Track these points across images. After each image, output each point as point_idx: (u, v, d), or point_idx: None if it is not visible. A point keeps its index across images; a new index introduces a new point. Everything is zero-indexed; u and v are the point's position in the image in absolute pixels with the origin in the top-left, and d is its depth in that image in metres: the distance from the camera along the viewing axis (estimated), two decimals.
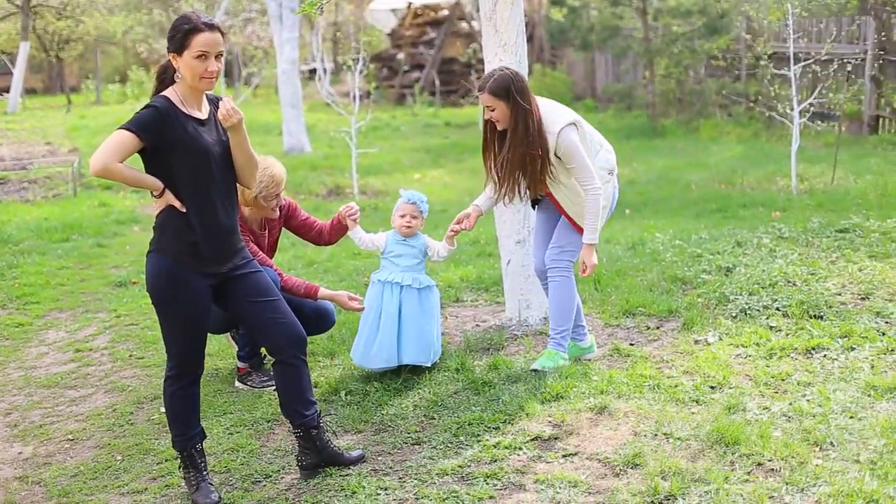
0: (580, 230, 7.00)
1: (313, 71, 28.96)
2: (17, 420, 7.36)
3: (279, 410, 6.62)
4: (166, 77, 5.52)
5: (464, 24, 36.19)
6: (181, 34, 5.33)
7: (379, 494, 5.54)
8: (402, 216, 7.24)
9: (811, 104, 15.04)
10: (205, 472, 5.77)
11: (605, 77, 31.96)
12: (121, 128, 5.25)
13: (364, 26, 40.36)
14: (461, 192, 17.05)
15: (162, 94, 5.46)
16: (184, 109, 5.43)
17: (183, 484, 5.88)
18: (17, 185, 18.87)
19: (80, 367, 8.39)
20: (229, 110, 5.39)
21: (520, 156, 6.76)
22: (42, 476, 6.37)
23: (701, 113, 24.63)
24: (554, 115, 6.85)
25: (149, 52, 38.09)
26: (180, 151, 5.38)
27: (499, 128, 6.82)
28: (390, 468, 5.87)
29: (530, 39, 36.39)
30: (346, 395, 6.97)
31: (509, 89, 6.67)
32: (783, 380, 6.70)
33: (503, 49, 8.01)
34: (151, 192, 5.48)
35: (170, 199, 5.44)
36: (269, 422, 6.73)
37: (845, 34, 20.77)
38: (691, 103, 25.25)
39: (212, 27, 5.36)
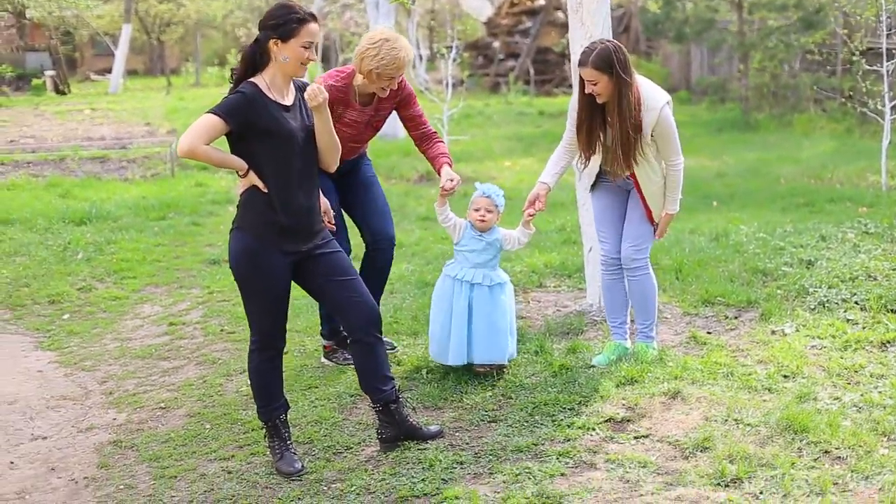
0: (651, 219, 7.03)
1: None
2: (112, 388, 7.68)
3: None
4: (257, 61, 5.77)
5: (559, 14, 36.23)
6: (292, 23, 5.64)
7: (454, 468, 5.75)
8: (477, 210, 7.00)
9: None
10: (289, 442, 6.03)
11: (700, 69, 31.91)
12: (209, 112, 5.58)
13: (460, 14, 40.60)
14: None
15: (250, 80, 5.73)
16: (270, 95, 5.72)
17: (268, 452, 6.14)
18: (117, 164, 19.36)
19: (173, 340, 8.71)
20: (315, 90, 5.66)
21: (620, 130, 6.65)
22: (134, 441, 6.68)
23: (794, 107, 24.54)
24: (654, 91, 6.78)
25: (248, 36, 38.62)
26: (265, 135, 5.67)
27: (600, 101, 6.67)
28: (466, 444, 6.08)
29: (626, 31, 36.39)
30: (427, 373, 7.17)
31: (612, 63, 6.53)
32: (856, 371, 6.80)
33: (589, 41, 8.14)
34: (237, 172, 5.75)
35: (253, 179, 5.72)
36: (351, 396, 6.96)
37: None
38: (785, 97, 25.15)
39: (315, 18, 5.75)
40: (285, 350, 6.17)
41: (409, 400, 6.70)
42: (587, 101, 6.74)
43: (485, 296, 6.93)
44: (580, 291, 9.05)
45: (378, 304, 6.38)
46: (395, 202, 14.98)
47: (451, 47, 18.80)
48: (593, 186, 7.24)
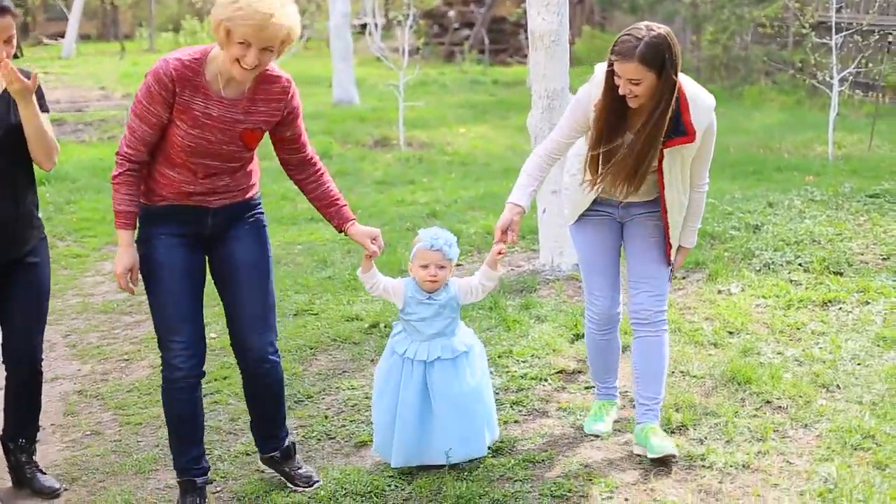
0: (668, 256, 5.52)
1: (364, 26, 29.30)
2: (75, 341, 7.85)
3: (323, 338, 7.12)
4: None
5: None
6: None
7: None
8: (425, 267, 5.25)
9: (851, 73, 15.26)
10: None
11: None
12: None
13: None
14: (504, 146, 17.42)
15: None
16: None
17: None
18: (73, 127, 19.38)
19: (134, 297, 8.85)
20: (10, 72, 4.81)
21: (646, 141, 5.08)
22: (99, 391, 6.86)
23: (746, 79, 24.83)
24: (701, 89, 5.25)
25: (203, 1, 38.59)
26: None
27: (634, 105, 5.06)
28: None
29: (581, 1, 36.59)
30: (384, 327, 7.38)
31: (664, 59, 4.92)
32: (798, 329, 7.06)
33: (546, 8, 8.35)
34: None
35: None
36: (311, 349, 7.17)
37: (890, 5, 20.90)
38: (736, 69, 25.44)
39: (9, 11, 5.05)
40: None
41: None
42: (616, 104, 5.11)
43: (447, 373, 5.27)
44: (533, 252, 9.27)
45: (283, 433, 5.40)
46: (350, 165, 15.21)
47: (408, 15, 18.92)
48: (579, 217, 5.64)
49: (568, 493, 5.01)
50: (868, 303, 7.49)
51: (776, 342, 6.84)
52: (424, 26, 35.34)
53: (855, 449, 5.29)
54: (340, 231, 5.25)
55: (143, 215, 4.96)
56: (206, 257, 5.16)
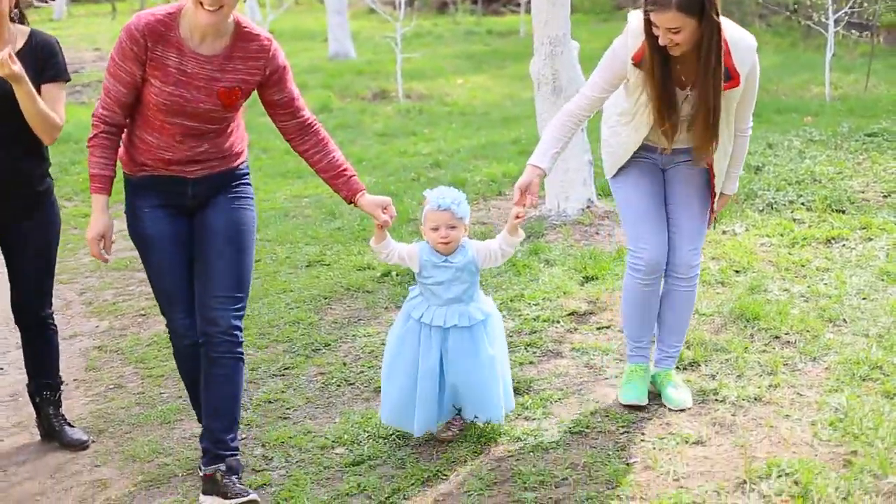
0: (712, 207, 5.40)
1: None
2: (91, 299, 7.98)
3: (336, 288, 7.25)
4: None
5: None
6: None
7: None
8: (435, 229, 5.02)
9: (846, 14, 15.30)
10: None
11: None
12: None
13: None
14: (502, 96, 17.49)
15: None
16: None
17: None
18: (71, 88, 19.38)
19: None
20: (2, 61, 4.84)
21: (706, 91, 4.88)
22: (119, 345, 7.00)
23: (741, 22, 24.68)
24: (740, 30, 4.99)
25: None
26: None
27: (676, 52, 4.84)
28: None
29: None
30: (396, 275, 7.50)
31: (703, 2, 4.67)
32: (803, 266, 7.19)
33: None
34: None
35: None
36: (325, 298, 7.30)
37: None
38: (731, 13, 25.36)
39: None
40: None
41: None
42: (660, 56, 4.88)
43: (464, 341, 5.06)
44: (539, 198, 9.38)
45: (231, 437, 4.96)
46: (351, 119, 15.29)
47: None
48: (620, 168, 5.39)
49: (586, 430, 5.14)
50: (871, 239, 7.60)
51: (782, 279, 6.96)
52: None
53: (863, 380, 5.41)
54: (350, 202, 5.03)
55: (126, 187, 4.93)
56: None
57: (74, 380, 6.51)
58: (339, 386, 6.00)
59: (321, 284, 7.59)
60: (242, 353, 5.01)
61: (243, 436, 5.49)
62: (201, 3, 4.52)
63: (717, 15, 4.71)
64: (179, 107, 4.69)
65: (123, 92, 4.68)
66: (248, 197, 5.05)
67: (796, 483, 4.43)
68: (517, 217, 5.03)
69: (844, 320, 6.22)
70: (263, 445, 5.39)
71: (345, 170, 5.02)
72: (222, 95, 4.74)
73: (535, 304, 6.77)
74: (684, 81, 4.99)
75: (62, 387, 5.80)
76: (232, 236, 4.93)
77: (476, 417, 5.19)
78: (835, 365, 5.62)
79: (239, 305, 4.95)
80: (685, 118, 5.04)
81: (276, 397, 5.91)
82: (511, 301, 6.82)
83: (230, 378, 4.96)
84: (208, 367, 4.95)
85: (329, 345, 6.56)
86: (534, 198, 5.06)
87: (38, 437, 5.79)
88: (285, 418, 5.69)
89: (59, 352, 5.80)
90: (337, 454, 5.18)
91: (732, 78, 4.91)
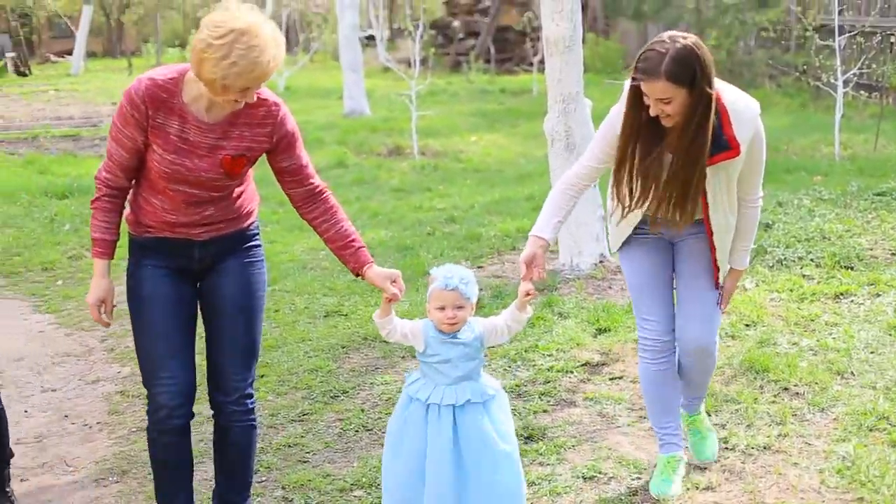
0: (717, 281, 5.10)
1: (370, 38, 29.64)
2: (112, 345, 8.12)
3: (354, 338, 7.40)
4: None
5: None
6: None
7: None
8: (441, 309, 4.63)
9: (855, 75, 15.51)
10: None
11: None
12: None
13: None
14: (516, 153, 17.67)
15: None
16: None
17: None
18: (90, 142, 19.71)
19: None
20: None
21: (687, 161, 4.66)
22: (140, 390, 7.07)
23: (750, 83, 25.05)
24: (742, 95, 4.82)
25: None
26: None
27: (667, 123, 4.64)
28: None
29: (584, 8, 36.68)
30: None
31: (695, 72, 4.50)
32: (812, 320, 7.33)
33: (560, 15, 8.63)
34: None
35: None
36: (343, 347, 7.45)
37: (891, 7, 21.14)
38: (741, 74, 25.66)
39: None
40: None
41: None
42: (648, 126, 4.71)
43: (480, 419, 4.61)
44: (552, 253, 9.54)
45: (245, 486, 5.02)
46: (367, 174, 15.49)
47: (418, 24, 19.25)
48: (624, 242, 5.20)
49: (598, 475, 5.28)
50: (879, 295, 7.75)
51: (791, 333, 7.09)
52: (430, 37, 35.66)
53: (870, 430, 5.56)
54: (357, 275, 4.83)
55: (130, 247, 4.75)
56: (198, 287, 4.84)
57: (98, 423, 6.64)
58: (357, 431, 6.13)
59: (339, 334, 7.74)
60: (255, 420, 4.92)
61: (263, 478, 5.63)
62: (236, 101, 4.39)
63: (710, 86, 4.53)
64: (181, 175, 4.49)
65: (126, 157, 4.49)
66: (259, 260, 4.88)
67: None
68: (527, 294, 4.72)
69: (852, 373, 6.36)
70: (283, 487, 5.52)
71: (353, 240, 4.80)
72: (227, 164, 4.53)
73: (549, 355, 6.92)
74: (671, 149, 4.74)
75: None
76: (244, 304, 4.78)
77: None
78: (842, 416, 5.76)
79: (249, 374, 4.85)
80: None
81: (295, 441, 6.05)
82: (525, 352, 6.96)
83: (242, 447, 4.92)
84: (220, 435, 4.93)
85: (347, 392, 6.70)
86: (541, 270, 4.84)
87: (64, 477, 5.93)
88: (304, 462, 5.82)
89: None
90: (355, 496, 5.31)
91: (732, 148, 4.69)
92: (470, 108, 23.88)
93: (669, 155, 4.73)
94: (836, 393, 6.07)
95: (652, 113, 4.59)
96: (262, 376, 7.05)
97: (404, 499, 4.65)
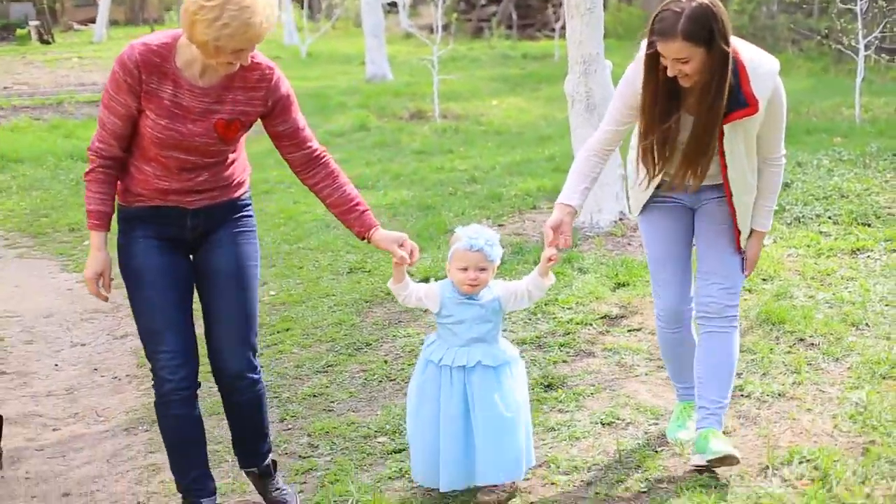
0: (739, 245, 4.96)
1: (392, 4, 29.67)
2: None
3: (377, 293, 7.53)
4: None
5: None
6: None
7: None
8: (464, 269, 4.67)
9: (876, 38, 15.50)
10: None
11: None
12: None
13: None
14: (537, 116, 17.77)
15: None
16: None
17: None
18: None
19: None
20: None
21: (706, 121, 4.62)
22: None
23: (773, 48, 25.04)
24: (760, 52, 4.73)
25: None
26: None
27: (686, 84, 4.59)
28: None
29: None
30: (435, 280, 7.76)
31: (712, 30, 4.44)
32: (829, 275, 7.42)
33: None
34: None
35: None
36: (367, 302, 7.59)
37: None
38: (763, 38, 25.67)
39: None
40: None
41: None
42: (666, 87, 4.65)
43: (489, 382, 4.68)
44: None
45: (263, 449, 4.94)
46: (388, 137, 15.61)
47: None
48: (644, 207, 5.12)
49: (616, 421, 5.40)
50: (895, 250, 7.83)
51: (808, 287, 7.19)
52: (451, 3, 35.69)
53: (883, 378, 5.66)
54: (363, 239, 4.73)
55: (120, 218, 4.61)
56: (192, 259, 4.73)
57: (126, 375, 6.80)
58: (380, 382, 6.27)
59: (362, 289, 7.87)
60: (261, 388, 4.83)
61: (289, 426, 5.78)
62: (230, 64, 4.32)
63: (727, 44, 4.47)
64: (175, 141, 4.40)
65: (119, 124, 4.39)
66: (250, 230, 4.77)
67: (816, 468, 4.68)
68: (550, 259, 4.74)
69: (867, 324, 6.45)
70: (309, 435, 5.66)
71: (357, 204, 4.71)
72: (220, 128, 4.45)
73: (569, 308, 7.03)
74: (690, 111, 4.69)
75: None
76: (238, 275, 4.66)
77: (494, 486, 4.80)
78: (856, 364, 5.86)
79: (248, 344, 4.72)
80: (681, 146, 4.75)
81: (320, 391, 6.19)
82: (545, 305, 7.07)
83: (252, 415, 4.85)
84: (228, 408, 4.89)
85: (370, 344, 6.84)
86: (567, 237, 4.79)
87: (94, 427, 6.09)
88: (329, 410, 5.96)
89: None
90: (379, 443, 5.45)
91: (750, 105, 4.61)
92: (491, 73, 23.95)
93: (690, 117, 4.68)
94: (850, 343, 6.16)
95: (669, 74, 4.52)
96: (288, 330, 7.21)
97: (427, 461, 4.76)
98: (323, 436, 5.62)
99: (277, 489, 4.93)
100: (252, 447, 4.92)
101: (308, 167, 4.70)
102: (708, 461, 4.72)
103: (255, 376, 4.76)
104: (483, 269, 4.65)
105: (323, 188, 4.70)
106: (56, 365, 7.12)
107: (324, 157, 4.72)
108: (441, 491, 4.76)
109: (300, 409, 6.01)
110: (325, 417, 5.85)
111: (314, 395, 6.17)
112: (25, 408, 6.46)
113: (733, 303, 4.92)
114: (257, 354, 4.78)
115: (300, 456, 5.44)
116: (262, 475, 4.93)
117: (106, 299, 4.67)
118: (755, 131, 4.72)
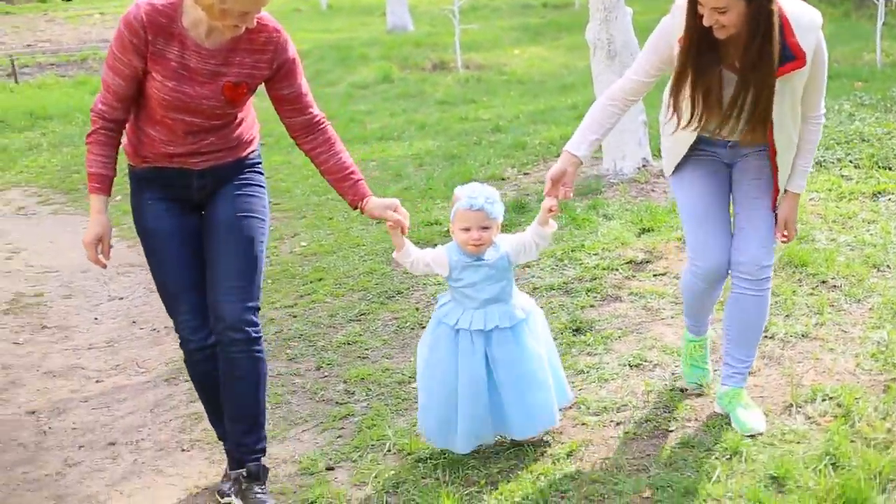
0: (774, 204, 4.80)
1: None
2: None
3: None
4: None
5: None
6: None
7: None
8: (466, 230, 4.64)
9: None
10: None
11: None
12: None
13: None
14: (559, 65, 17.81)
15: None
16: None
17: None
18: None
19: None
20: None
21: (758, 77, 4.38)
22: None
23: None
24: (804, 6, 4.47)
25: None
26: None
27: (720, 35, 4.37)
28: None
29: None
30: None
31: None
32: (850, 217, 7.52)
33: None
34: None
35: None
36: None
37: None
38: None
39: None
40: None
41: None
42: (702, 37, 4.41)
43: (508, 343, 4.70)
44: (596, 158, 9.75)
45: (255, 441, 4.72)
46: (412, 88, 15.72)
47: None
48: (678, 165, 4.95)
49: (644, 362, 5.56)
50: None
51: (829, 230, 7.30)
52: None
53: None
54: (355, 208, 4.73)
55: (130, 178, 4.64)
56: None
57: (165, 327, 6.97)
58: (412, 329, 6.43)
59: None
60: (261, 351, 4.64)
61: (326, 374, 5.95)
62: (236, 27, 4.27)
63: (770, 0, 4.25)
64: (182, 103, 4.36)
65: (123, 86, 4.33)
66: (255, 184, 4.72)
67: (839, 405, 4.83)
68: (550, 210, 4.70)
69: (888, 266, 6.56)
70: (345, 381, 5.84)
71: (352, 172, 4.70)
72: (227, 91, 4.41)
73: (595, 254, 7.17)
74: (735, 65, 4.49)
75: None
76: (237, 225, 4.58)
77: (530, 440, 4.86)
78: (878, 305, 5.98)
79: (247, 296, 4.56)
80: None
81: (354, 339, 6.36)
82: (572, 251, 7.22)
83: (246, 380, 4.62)
84: (224, 368, 4.63)
85: (402, 292, 7.00)
86: (568, 189, 4.68)
87: (136, 378, 6.28)
88: (363, 358, 6.13)
89: None
90: (413, 388, 5.57)
91: (797, 58, 4.38)
92: (512, 23, 23.94)
93: (732, 75, 4.49)
94: (872, 284, 6.29)
95: (706, 23, 4.31)
96: (320, 279, 7.38)
97: (439, 417, 4.76)
98: (358, 382, 5.80)
99: (261, 493, 4.65)
100: (244, 431, 4.68)
101: (307, 132, 4.67)
102: (739, 432, 4.73)
103: (254, 334, 4.58)
104: (486, 228, 4.62)
105: (319, 154, 4.67)
106: (95, 318, 7.31)
107: (323, 123, 4.70)
108: (460, 452, 4.79)
109: (335, 356, 6.19)
110: (359, 364, 6.03)
111: (348, 343, 6.34)
112: (68, 361, 6.66)
113: (769, 262, 4.78)
114: (258, 313, 4.63)
115: (337, 402, 5.62)
116: (250, 477, 4.65)
117: (104, 266, 4.64)
118: (801, 87, 4.53)
